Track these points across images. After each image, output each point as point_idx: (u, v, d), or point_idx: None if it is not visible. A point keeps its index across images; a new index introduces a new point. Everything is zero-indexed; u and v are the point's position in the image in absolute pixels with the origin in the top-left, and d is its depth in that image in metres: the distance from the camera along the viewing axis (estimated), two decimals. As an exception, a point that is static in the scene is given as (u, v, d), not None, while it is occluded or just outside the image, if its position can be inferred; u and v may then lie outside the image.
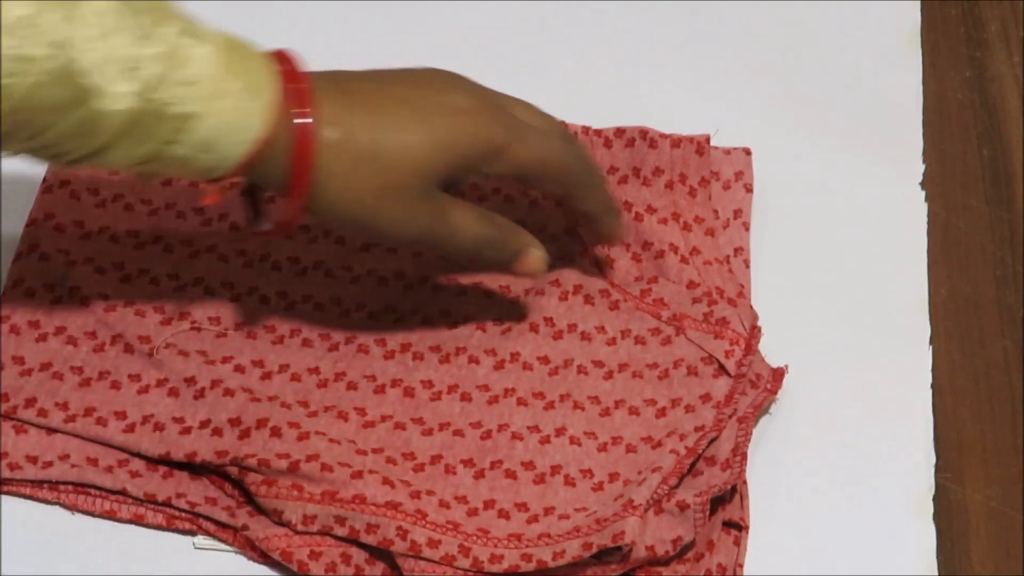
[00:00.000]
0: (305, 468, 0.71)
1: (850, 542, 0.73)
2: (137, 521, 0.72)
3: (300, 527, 0.71)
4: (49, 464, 0.73)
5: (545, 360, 0.76)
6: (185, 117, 0.65)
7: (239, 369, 0.76)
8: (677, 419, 0.74)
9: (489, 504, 0.72)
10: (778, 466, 0.74)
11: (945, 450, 0.76)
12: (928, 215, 0.83)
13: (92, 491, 0.73)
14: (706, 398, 0.74)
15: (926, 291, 0.80)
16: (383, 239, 0.76)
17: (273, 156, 0.67)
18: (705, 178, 0.81)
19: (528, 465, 0.73)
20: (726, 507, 0.72)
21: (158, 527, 0.72)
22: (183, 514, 0.72)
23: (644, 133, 0.81)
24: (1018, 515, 0.74)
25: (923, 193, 0.84)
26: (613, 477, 0.73)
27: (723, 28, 0.91)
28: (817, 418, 0.76)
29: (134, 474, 0.73)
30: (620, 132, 0.82)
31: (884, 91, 0.88)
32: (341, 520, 0.71)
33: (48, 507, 0.73)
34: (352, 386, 0.76)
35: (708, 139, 0.82)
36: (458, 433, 0.74)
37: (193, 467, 0.73)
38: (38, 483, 0.73)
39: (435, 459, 0.73)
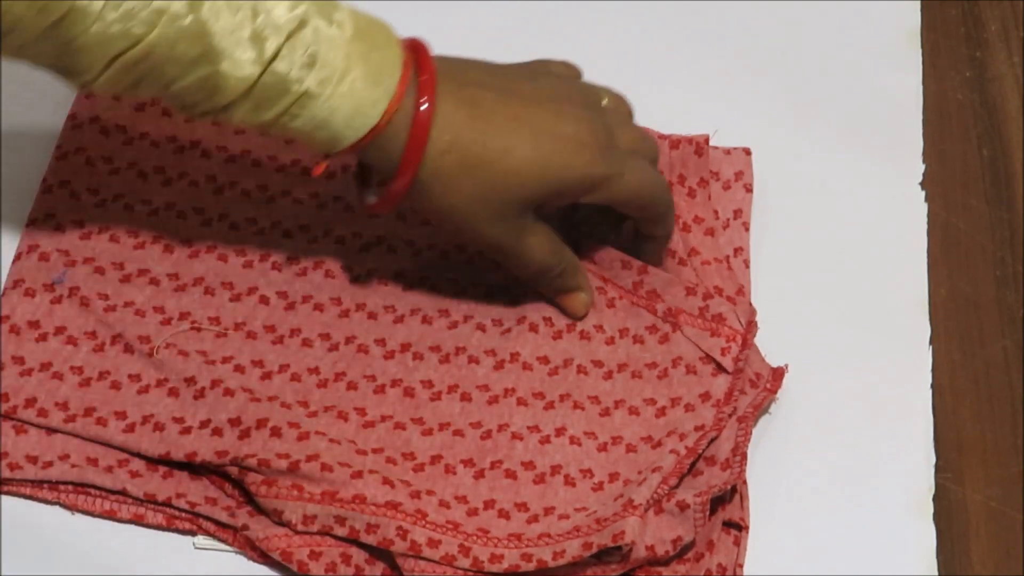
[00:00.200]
0: (305, 468, 0.71)
1: (850, 542, 0.73)
2: (137, 521, 0.72)
3: (300, 527, 0.71)
4: (49, 464, 0.73)
5: (545, 360, 0.76)
6: (303, 95, 0.68)
7: (239, 369, 0.76)
8: (677, 418, 0.74)
9: (489, 504, 0.72)
10: (778, 466, 0.74)
11: (945, 450, 0.75)
12: (928, 215, 0.83)
13: (92, 491, 0.72)
14: (705, 397, 0.74)
15: (926, 291, 0.80)
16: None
17: (385, 144, 0.70)
18: (704, 179, 0.81)
19: (528, 465, 0.73)
20: (726, 507, 0.72)
21: (158, 527, 0.72)
22: (183, 514, 0.72)
23: (644, 133, 0.82)
24: (1018, 515, 0.74)
25: (923, 193, 0.84)
26: (613, 477, 0.73)
27: (723, 28, 0.91)
28: (817, 418, 0.76)
29: (134, 474, 0.73)
30: (620, 132, 0.82)
31: (884, 91, 0.88)
32: (341, 520, 0.70)
33: (48, 507, 0.73)
34: (352, 386, 0.76)
35: (707, 140, 0.82)
36: (458, 433, 0.74)
37: (193, 467, 0.73)
38: (38, 483, 0.73)
39: (435, 459, 0.73)
